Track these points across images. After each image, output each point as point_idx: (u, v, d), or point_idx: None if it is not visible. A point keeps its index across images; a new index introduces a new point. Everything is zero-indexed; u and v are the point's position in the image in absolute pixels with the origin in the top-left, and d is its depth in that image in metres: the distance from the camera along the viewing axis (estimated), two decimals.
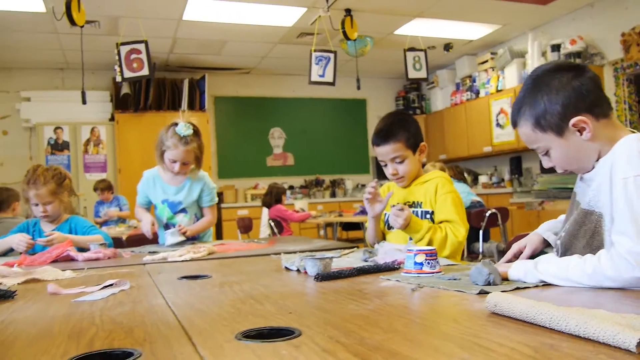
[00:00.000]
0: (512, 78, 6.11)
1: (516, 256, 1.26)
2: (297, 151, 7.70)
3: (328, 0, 4.76)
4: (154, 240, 2.51)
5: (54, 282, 1.36)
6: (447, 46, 6.48)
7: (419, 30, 5.76)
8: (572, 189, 1.23)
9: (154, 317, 0.91)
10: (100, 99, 6.51)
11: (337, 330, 0.74)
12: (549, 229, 1.30)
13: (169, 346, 0.71)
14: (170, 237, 2.32)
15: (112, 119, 6.50)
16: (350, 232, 5.91)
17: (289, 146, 7.68)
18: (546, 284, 1.01)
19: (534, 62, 5.80)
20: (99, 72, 6.54)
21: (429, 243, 1.62)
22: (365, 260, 1.47)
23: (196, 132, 2.42)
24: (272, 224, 4.90)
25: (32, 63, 6.30)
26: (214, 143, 7.19)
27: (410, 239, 1.67)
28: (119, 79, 4.42)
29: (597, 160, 1.11)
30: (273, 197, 5.02)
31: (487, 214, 3.87)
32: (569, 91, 1.09)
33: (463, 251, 3.40)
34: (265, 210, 5.19)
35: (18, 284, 1.39)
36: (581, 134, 1.09)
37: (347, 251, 1.74)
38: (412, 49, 5.54)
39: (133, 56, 4.37)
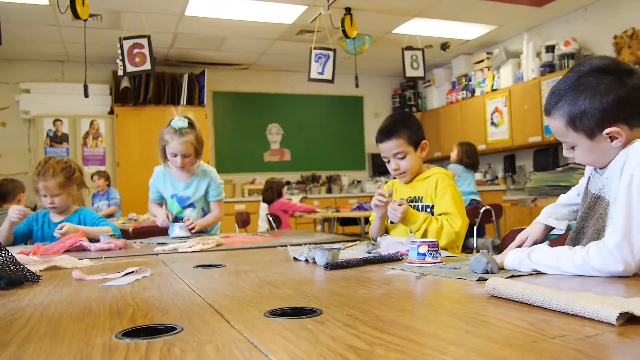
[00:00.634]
0: (507, 78, 6.21)
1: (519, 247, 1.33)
2: (294, 147, 7.76)
3: None
4: (158, 232, 2.59)
5: (77, 269, 1.43)
6: (444, 45, 6.57)
7: (417, 29, 5.84)
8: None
9: (183, 300, 0.97)
10: (100, 92, 6.53)
11: (353, 309, 0.83)
12: (550, 214, 1.35)
13: (206, 322, 0.78)
14: (178, 229, 2.40)
15: (111, 112, 6.52)
16: (346, 227, 5.98)
17: (286, 142, 7.74)
18: (539, 273, 1.09)
19: (528, 62, 5.91)
20: (99, 65, 6.55)
21: (425, 233, 1.72)
22: (369, 252, 1.55)
23: (191, 124, 2.50)
24: (271, 218, 4.97)
25: (32, 55, 6.31)
26: (212, 138, 7.24)
27: (412, 232, 1.77)
28: (120, 72, 4.46)
29: None
30: (275, 192, 5.07)
31: (482, 211, 3.98)
32: (612, 99, 1.06)
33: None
34: (263, 205, 5.25)
35: (40, 270, 1.44)
36: (612, 141, 1.10)
37: (350, 244, 1.83)
38: (409, 48, 5.62)
39: (136, 50, 4.41)
